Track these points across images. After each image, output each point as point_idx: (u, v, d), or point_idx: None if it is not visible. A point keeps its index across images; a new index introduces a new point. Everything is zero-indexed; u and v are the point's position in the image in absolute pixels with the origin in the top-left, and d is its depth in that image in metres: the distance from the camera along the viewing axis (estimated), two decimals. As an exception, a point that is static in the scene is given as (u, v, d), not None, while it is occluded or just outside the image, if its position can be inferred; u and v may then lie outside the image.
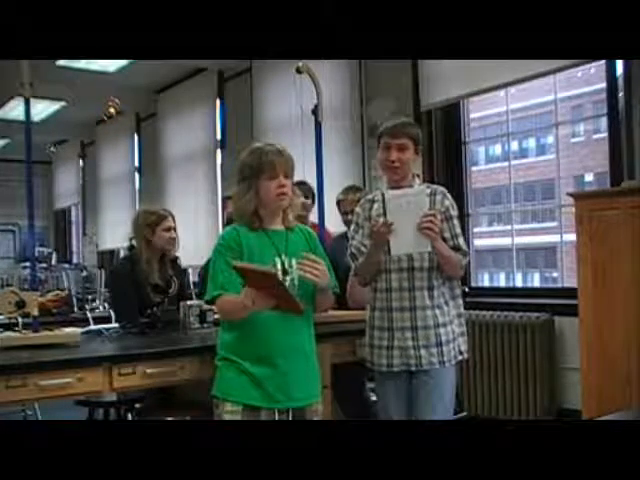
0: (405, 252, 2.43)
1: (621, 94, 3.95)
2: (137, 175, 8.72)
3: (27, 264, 5.99)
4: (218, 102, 7.05)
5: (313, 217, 3.89)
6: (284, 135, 5.70)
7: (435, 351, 2.46)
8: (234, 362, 2.18)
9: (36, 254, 4.21)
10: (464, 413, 4.13)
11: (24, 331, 2.64)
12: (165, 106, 7.92)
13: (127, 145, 8.89)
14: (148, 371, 2.40)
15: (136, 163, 8.73)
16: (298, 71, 3.31)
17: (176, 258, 3.36)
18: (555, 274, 6.55)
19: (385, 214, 2.39)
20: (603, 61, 4.08)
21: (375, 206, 2.61)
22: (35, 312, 2.64)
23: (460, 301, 2.60)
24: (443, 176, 4.98)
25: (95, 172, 9.68)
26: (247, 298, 2.04)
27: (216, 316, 2.86)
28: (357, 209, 2.72)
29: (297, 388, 2.19)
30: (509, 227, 5.07)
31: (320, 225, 3.48)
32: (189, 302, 3.09)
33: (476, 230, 5.31)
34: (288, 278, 2.20)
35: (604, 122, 4.27)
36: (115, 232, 8.63)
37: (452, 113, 5.07)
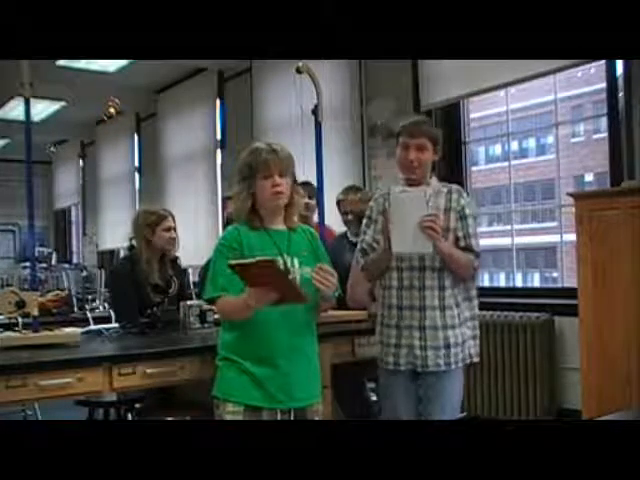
0: (404, 251, 2.42)
1: (621, 94, 3.94)
2: (137, 175, 8.72)
3: (27, 264, 5.99)
4: (218, 102, 7.06)
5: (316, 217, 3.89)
6: (284, 135, 5.70)
7: (442, 353, 2.45)
8: (235, 362, 2.17)
9: (36, 254, 4.21)
10: (464, 413, 4.13)
11: (24, 331, 2.64)
12: (165, 106, 7.92)
13: (127, 145, 8.89)
14: (148, 371, 2.40)
15: (136, 163, 8.73)
16: (298, 71, 3.31)
17: (176, 258, 3.36)
18: (555, 274, 6.56)
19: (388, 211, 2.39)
20: (603, 61, 4.08)
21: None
22: (35, 312, 2.64)
23: (475, 302, 2.60)
24: (443, 176, 4.97)
25: (95, 172, 9.68)
26: (250, 297, 2.03)
27: (216, 316, 2.86)
28: (371, 203, 2.67)
29: (298, 388, 2.18)
30: (509, 227, 5.07)
31: (320, 225, 3.48)
32: (189, 302, 3.09)
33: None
34: (290, 278, 2.19)
35: (604, 122, 4.27)
36: (115, 232, 8.63)
37: (452, 113, 5.07)
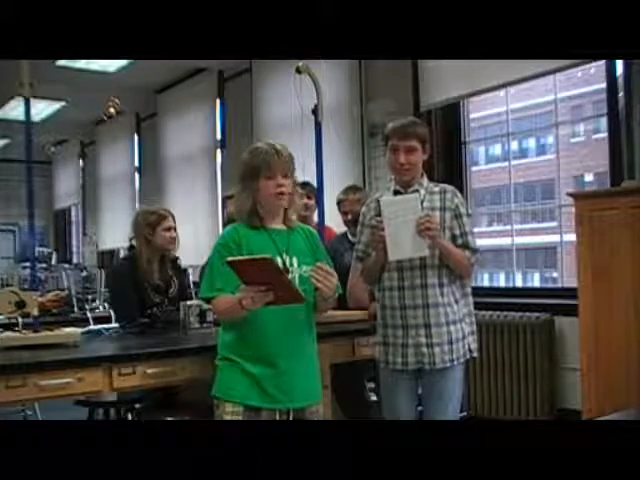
0: (402, 257, 2.44)
1: (621, 94, 3.94)
2: (137, 175, 8.72)
3: (27, 264, 5.98)
4: (218, 102, 7.05)
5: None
6: (284, 135, 5.69)
7: (447, 349, 2.47)
8: (235, 362, 2.17)
9: (36, 254, 4.21)
10: (464, 413, 4.13)
11: (24, 331, 2.64)
12: (165, 106, 7.92)
13: (127, 145, 8.88)
14: (148, 371, 2.40)
15: (136, 163, 8.72)
16: (298, 71, 3.31)
17: (176, 258, 3.35)
18: (555, 274, 6.55)
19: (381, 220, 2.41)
20: (603, 61, 4.08)
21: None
22: (35, 312, 2.65)
23: (470, 299, 2.61)
24: (443, 176, 4.98)
25: (95, 172, 9.67)
26: (245, 297, 2.03)
27: (216, 316, 2.86)
28: (363, 209, 2.70)
29: (298, 389, 2.18)
30: (509, 227, 5.07)
31: (320, 225, 3.48)
32: (189, 302, 3.09)
33: (476, 230, 5.28)
34: (288, 277, 2.19)
35: (604, 122, 4.27)
36: (115, 232, 8.63)
37: (452, 113, 5.07)
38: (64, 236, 11.41)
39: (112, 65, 6.42)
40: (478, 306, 4.54)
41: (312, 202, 3.83)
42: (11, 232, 10.84)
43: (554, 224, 5.88)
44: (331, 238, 3.68)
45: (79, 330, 2.81)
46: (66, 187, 10.86)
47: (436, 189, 2.57)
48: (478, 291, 4.91)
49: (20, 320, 2.70)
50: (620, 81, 3.97)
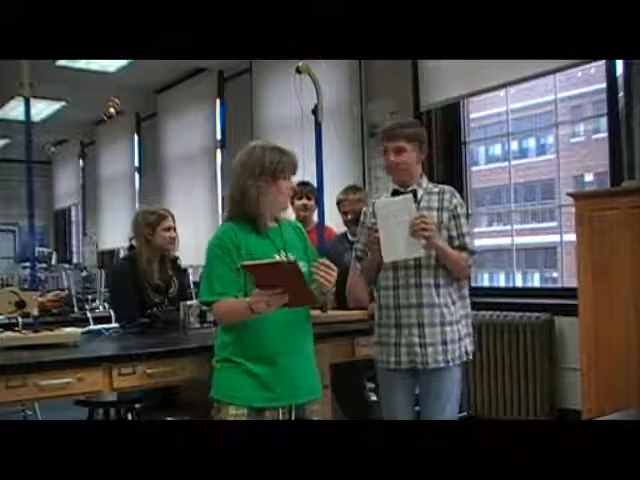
0: (396, 259, 2.45)
1: (621, 94, 3.94)
2: (137, 175, 8.72)
3: (27, 264, 5.98)
4: (218, 102, 7.05)
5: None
6: (284, 135, 5.69)
7: (441, 349, 2.47)
8: (236, 363, 2.16)
9: (36, 254, 4.21)
10: (464, 413, 4.13)
11: (24, 331, 2.64)
12: (165, 106, 7.92)
13: (127, 145, 8.88)
14: (148, 371, 2.40)
15: (136, 163, 8.72)
16: (298, 71, 3.30)
17: (176, 258, 3.35)
18: (555, 274, 6.54)
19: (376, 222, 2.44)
20: (603, 61, 4.08)
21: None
22: (35, 312, 2.65)
23: (468, 302, 2.61)
24: (443, 176, 4.98)
25: (95, 172, 9.67)
26: (259, 301, 2.01)
27: (217, 320, 2.86)
28: (364, 209, 2.73)
29: (299, 384, 2.19)
30: (509, 227, 5.07)
31: (320, 225, 3.48)
32: (189, 302, 3.09)
33: (476, 230, 5.31)
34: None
35: (604, 122, 4.27)
36: (115, 232, 8.63)
37: (452, 113, 5.07)
38: (64, 236, 11.40)
39: (112, 65, 6.42)
40: (478, 306, 4.60)
41: (312, 202, 3.83)
42: (11, 232, 10.84)
43: (554, 224, 5.88)
44: (331, 238, 3.68)
45: (79, 330, 2.82)
46: (66, 187, 10.86)
47: (435, 189, 2.58)
48: (478, 291, 4.95)
49: (20, 320, 2.70)
50: (620, 81, 3.97)
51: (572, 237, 3.96)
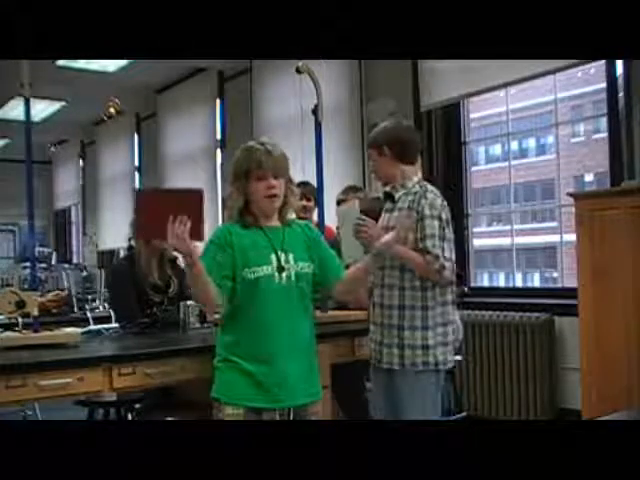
0: (347, 261, 2.59)
1: (621, 94, 3.95)
2: (137, 175, 8.72)
3: (27, 264, 5.98)
4: (218, 102, 7.05)
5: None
6: (284, 135, 5.70)
7: (396, 352, 2.47)
8: (234, 363, 2.16)
9: (36, 254, 4.21)
10: (464, 413, 4.13)
11: (24, 331, 2.64)
12: (165, 106, 7.92)
13: (127, 145, 8.88)
14: (148, 371, 2.40)
15: (136, 163, 8.72)
16: (298, 71, 3.30)
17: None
18: (555, 274, 6.54)
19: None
20: (603, 61, 4.08)
21: None
22: (35, 312, 2.64)
23: (450, 308, 2.52)
24: (443, 176, 4.98)
25: (95, 172, 9.68)
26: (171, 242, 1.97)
27: (216, 316, 2.85)
28: None
29: (299, 387, 2.17)
30: (509, 227, 5.07)
31: (320, 225, 3.48)
32: (189, 302, 3.08)
33: (476, 230, 5.31)
34: (284, 275, 2.17)
35: (604, 122, 4.27)
36: (115, 232, 8.63)
37: (452, 113, 5.07)
38: (64, 236, 11.41)
39: (112, 65, 6.42)
40: (478, 306, 4.60)
41: (311, 204, 3.83)
42: (11, 232, 10.84)
43: (554, 224, 5.87)
44: (331, 238, 3.68)
45: (79, 330, 2.81)
46: (66, 187, 10.86)
47: (413, 190, 2.54)
48: (478, 291, 4.96)
49: (20, 320, 2.70)
50: (620, 81, 3.97)
51: (572, 237, 3.96)
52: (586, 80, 5.25)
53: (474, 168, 5.33)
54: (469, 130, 5.15)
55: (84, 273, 5.24)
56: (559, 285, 5.04)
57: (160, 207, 1.98)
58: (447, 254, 2.42)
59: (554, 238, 5.61)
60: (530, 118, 5.96)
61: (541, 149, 7.70)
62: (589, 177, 6.85)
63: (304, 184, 3.90)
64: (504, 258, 5.70)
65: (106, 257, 8.65)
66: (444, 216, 2.48)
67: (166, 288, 3.21)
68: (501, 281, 6.34)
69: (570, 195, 3.90)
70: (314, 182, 3.55)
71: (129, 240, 3.32)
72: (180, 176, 7.70)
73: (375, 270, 2.47)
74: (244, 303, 2.15)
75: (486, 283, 5.95)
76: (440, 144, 5.04)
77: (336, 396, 3.05)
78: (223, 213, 6.53)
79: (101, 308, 4.25)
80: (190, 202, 2.02)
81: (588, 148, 6.31)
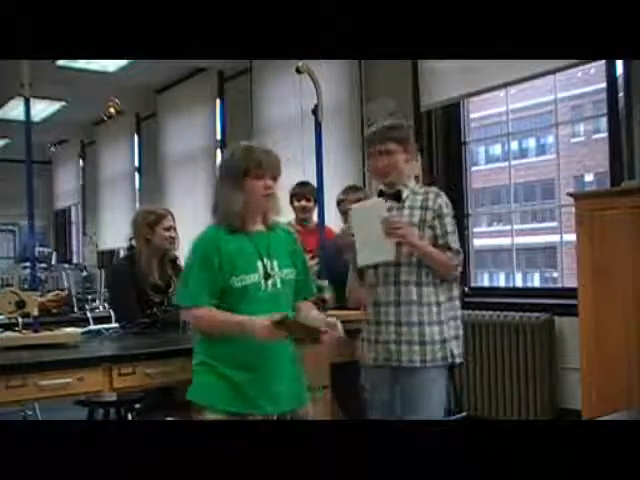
0: (370, 263, 2.49)
1: (621, 94, 3.95)
2: (137, 175, 8.72)
3: (27, 264, 5.99)
4: (218, 102, 7.05)
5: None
6: (284, 135, 5.70)
7: (418, 349, 2.45)
8: (213, 367, 2.14)
9: (36, 254, 4.21)
10: (464, 413, 4.13)
11: (24, 331, 2.64)
12: (165, 106, 7.92)
13: (127, 145, 8.88)
14: (148, 371, 2.40)
15: (136, 163, 8.72)
16: (298, 71, 3.30)
17: (176, 258, 3.35)
18: (555, 274, 6.55)
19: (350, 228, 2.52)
20: (603, 61, 4.08)
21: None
22: (35, 312, 2.64)
23: (457, 303, 2.58)
24: (443, 176, 4.98)
25: (95, 172, 9.67)
26: (265, 331, 2.00)
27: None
28: (350, 211, 2.77)
29: (281, 392, 2.14)
30: (509, 227, 5.07)
31: (320, 225, 3.48)
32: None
33: (476, 230, 5.31)
34: (270, 282, 2.16)
35: (604, 122, 4.27)
36: (115, 232, 8.63)
37: (452, 113, 5.07)
38: (64, 236, 11.41)
39: (112, 65, 6.42)
40: (478, 306, 4.60)
41: (311, 204, 3.83)
42: (11, 232, 10.84)
43: (554, 224, 5.88)
44: (330, 238, 3.68)
45: (79, 330, 2.82)
46: (66, 187, 10.86)
47: (421, 190, 2.61)
48: (478, 291, 4.96)
49: (20, 320, 2.70)
50: (620, 81, 3.97)
51: (572, 237, 3.96)
52: (586, 80, 5.25)
53: (474, 168, 5.33)
54: (469, 130, 5.15)
55: (84, 273, 5.24)
56: (559, 285, 5.04)
57: None
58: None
59: (554, 238, 5.62)
60: (530, 118, 5.96)
61: (541, 149, 7.70)
62: (589, 177, 6.85)
63: (304, 184, 3.90)
64: (504, 258, 5.70)
65: (106, 257, 8.65)
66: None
67: (166, 288, 3.21)
68: (501, 281, 6.35)
69: (570, 195, 3.90)
70: (314, 182, 3.55)
71: (129, 240, 3.32)
72: (180, 176, 7.70)
73: (383, 267, 2.48)
74: (230, 310, 2.13)
75: (486, 283, 5.96)
76: (440, 144, 5.03)
77: (336, 396, 3.05)
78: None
79: (101, 308, 4.25)
80: None
81: (588, 148, 6.31)
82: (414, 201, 2.55)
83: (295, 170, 4.40)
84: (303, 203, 3.86)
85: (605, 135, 4.24)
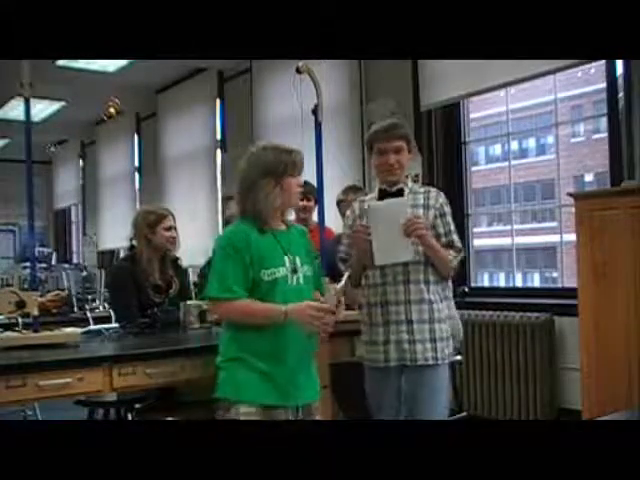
0: (389, 262, 2.46)
1: (621, 94, 3.94)
2: (137, 175, 8.72)
3: (27, 264, 5.99)
4: (218, 102, 7.05)
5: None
6: (284, 135, 5.69)
7: (430, 346, 2.47)
8: (244, 361, 2.17)
9: (36, 254, 4.21)
10: (464, 413, 4.13)
11: (24, 331, 2.64)
12: (165, 106, 7.92)
13: (127, 145, 8.88)
14: (148, 371, 2.40)
15: (136, 163, 8.73)
16: (298, 71, 3.30)
17: (177, 258, 3.35)
18: (555, 274, 6.55)
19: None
20: (603, 61, 4.08)
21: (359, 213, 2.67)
22: (35, 312, 2.64)
23: (452, 303, 2.63)
24: (443, 176, 4.98)
25: (95, 172, 9.68)
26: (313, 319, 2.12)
27: (216, 316, 2.85)
28: (347, 212, 2.77)
29: (305, 384, 2.22)
30: (509, 227, 5.07)
31: (320, 225, 3.48)
32: (189, 302, 3.08)
33: (476, 230, 5.31)
34: (295, 277, 2.21)
35: (604, 122, 4.27)
36: (115, 232, 8.63)
37: (452, 113, 5.07)
38: (64, 236, 11.41)
39: (112, 65, 6.42)
40: (478, 306, 4.60)
41: (311, 204, 3.82)
42: (11, 232, 10.84)
43: (554, 224, 5.89)
44: (330, 238, 3.68)
45: (79, 330, 2.81)
46: (66, 187, 10.86)
47: (420, 190, 2.63)
48: (478, 291, 4.96)
49: (20, 320, 2.70)
50: (620, 81, 3.97)
51: (572, 237, 3.96)
52: (586, 80, 5.26)
53: (474, 168, 5.33)
54: (469, 130, 5.15)
55: (84, 273, 5.25)
56: (559, 285, 5.04)
57: None
58: None
59: (554, 238, 5.62)
60: (530, 118, 5.97)
61: (541, 149, 7.71)
62: (589, 177, 6.86)
63: (304, 184, 3.89)
64: (504, 258, 5.71)
65: (106, 257, 8.68)
66: None
67: (167, 288, 3.21)
68: (501, 281, 6.36)
69: (570, 195, 3.90)
70: (314, 182, 3.55)
71: (130, 240, 3.32)
72: (180, 176, 7.70)
73: (391, 266, 2.49)
74: None
75: (486, 283, 5.96)
76: (440, 144, 5.03)
77: (336, 396, 3.05)
78: (223, 213, 6.53)
79: (101, 308, 4.25)
80: None
81: (588, 148, 6.32)
82: (415, 200, 2.57)
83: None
84: (303, 203, 3.86)
85: (605, 135, 4.24)
